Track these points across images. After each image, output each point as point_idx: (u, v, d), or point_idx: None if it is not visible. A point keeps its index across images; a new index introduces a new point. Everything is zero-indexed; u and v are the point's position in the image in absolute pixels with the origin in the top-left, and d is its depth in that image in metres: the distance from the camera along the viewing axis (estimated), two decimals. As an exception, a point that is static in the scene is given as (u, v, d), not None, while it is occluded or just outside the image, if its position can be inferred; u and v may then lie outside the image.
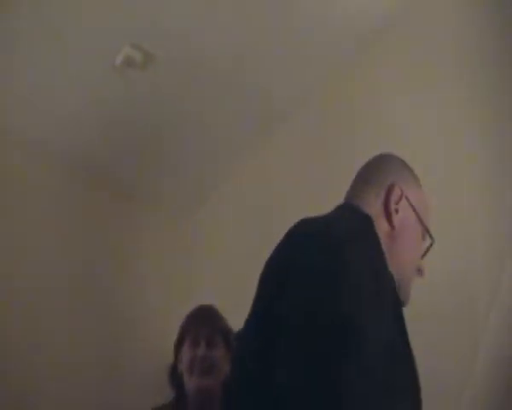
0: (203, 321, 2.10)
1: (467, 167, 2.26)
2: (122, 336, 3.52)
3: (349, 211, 1.28)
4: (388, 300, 1.08)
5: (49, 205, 3.47)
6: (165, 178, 3.78)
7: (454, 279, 1.97)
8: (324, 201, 2.66)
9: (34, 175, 3.46)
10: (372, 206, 1.30)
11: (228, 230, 3.66)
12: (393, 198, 1.30)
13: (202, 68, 3.10)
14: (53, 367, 3.14)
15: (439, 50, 2.50)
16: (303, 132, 3.25)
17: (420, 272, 1.36)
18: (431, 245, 1.36)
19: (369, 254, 1.09)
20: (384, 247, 1.23)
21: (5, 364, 2.97)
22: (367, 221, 1.24)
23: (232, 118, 3.40)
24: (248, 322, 1.14)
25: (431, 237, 1.36)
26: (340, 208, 1.30)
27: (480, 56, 2.31)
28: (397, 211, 1.30)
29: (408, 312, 1.21)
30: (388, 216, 1.29)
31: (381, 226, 1.28)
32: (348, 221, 1.20)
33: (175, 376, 2.13)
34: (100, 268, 3.57)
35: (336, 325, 0.95)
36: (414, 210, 1.32)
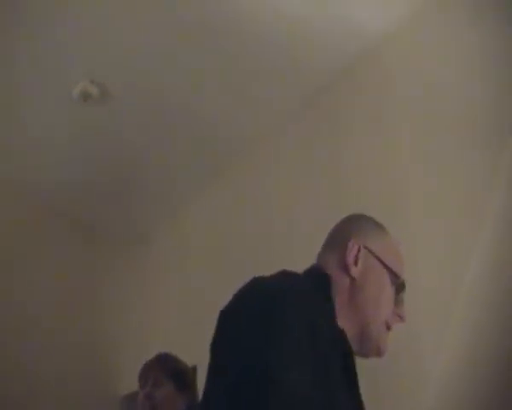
0: (152, 366, 2.28)
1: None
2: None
3: (308, 271, 1.33)
4: (329, 354, 1.10)
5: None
6: (120, 213, 3.80)
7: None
8: (271, 244, 2.67)
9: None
10: (332, 265, 1.33)
11: (176, 271, 3.70)
12: (350, 253, 1.33)
13: (159, 105, 3.14)
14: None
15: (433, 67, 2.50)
16: (253, 174, 3.28)
17: (400, 318, 1.37)
18: (403, 286, 1.37)
19: (308, 310, 1.11)
20: (343, 302, 1.28)
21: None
22: (318, 278, 1.28)
23: (189, 153, 3.43)
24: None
25: (398, 278, 1.36)
26: (305, 270, 1.33)
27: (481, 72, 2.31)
28: (356, 263, 1.33)
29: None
30: (347, 269, 1.32)
31: (342, 282, 1.31)
32: (296, 279, 1.22)
33: None
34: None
35: (255, 378, 0.98)
36: (376, 258, 1.34)
